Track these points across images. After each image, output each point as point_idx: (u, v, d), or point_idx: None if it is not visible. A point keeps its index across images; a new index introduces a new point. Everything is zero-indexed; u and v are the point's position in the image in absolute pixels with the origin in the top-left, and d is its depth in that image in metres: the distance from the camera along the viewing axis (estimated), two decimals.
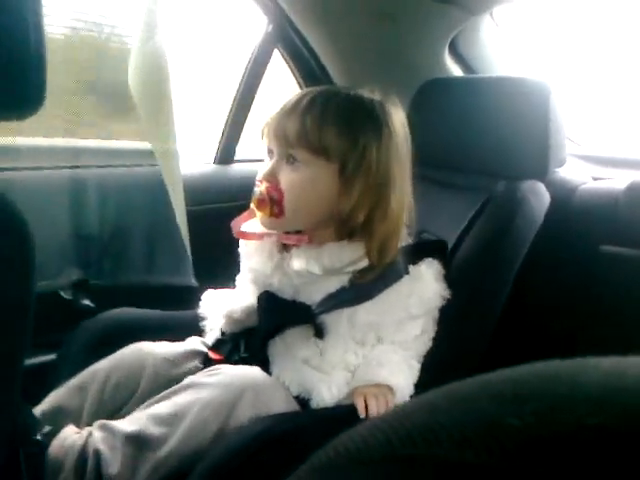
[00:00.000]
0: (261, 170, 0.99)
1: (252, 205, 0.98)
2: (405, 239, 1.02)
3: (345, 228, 0.96)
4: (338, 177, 0.94)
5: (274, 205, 0.94)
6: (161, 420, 0.85)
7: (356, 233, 0.96)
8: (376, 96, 0.99)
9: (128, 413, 0.95)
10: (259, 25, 1.54)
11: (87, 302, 1.23)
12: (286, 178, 0.95)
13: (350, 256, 0.95)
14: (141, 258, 1.35)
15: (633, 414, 0.14)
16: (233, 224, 1.04)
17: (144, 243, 1.35)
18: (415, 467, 0.15)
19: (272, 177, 0.95)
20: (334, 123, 0.92)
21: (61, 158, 1.27)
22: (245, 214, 1.03)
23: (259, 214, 0.97)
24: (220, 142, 1.61)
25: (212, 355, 1.04)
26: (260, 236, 1.00)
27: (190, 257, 1.23)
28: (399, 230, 0.97)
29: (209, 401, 0.86)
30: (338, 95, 0.96)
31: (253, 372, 0.92)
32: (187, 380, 0.92)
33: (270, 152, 0.99)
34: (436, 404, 0.17)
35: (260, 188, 0.96)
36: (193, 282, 1.32)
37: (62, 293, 1.25)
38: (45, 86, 0.55)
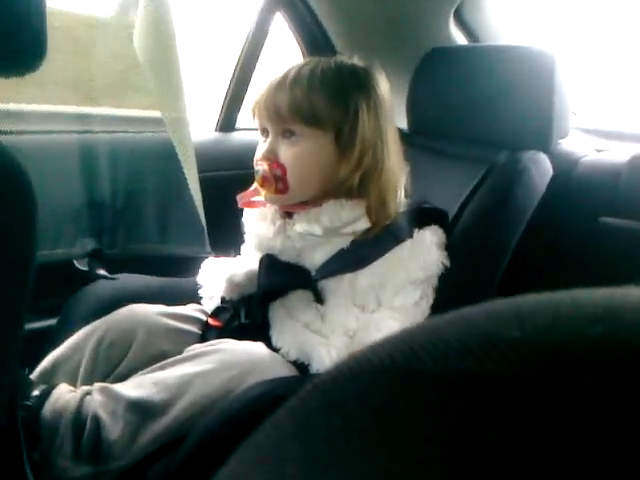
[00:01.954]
0: (259, 150, 1.01)
1: (256, 184, 0.99)
2: (406, 207, 1.02)
3: (342, 189, 0.98)
4: (335, 144, 0.97)
5: (278, 181, 0.96)
6: (164, 388, 0.86)
7: (353, 193, 0.98)
8: (359, 62, 1.01)
9: (122, 372, 0.96)
10: None
11: (102, 271, 1.24)
12: (285, 153, 0.96)
13: (349, 214, 0.96)
14: (154, 227, 1.35)
15: (633, 326, 0.14)
16: (239, 198, 1.05)
17: (157, 212, 1.35)
18: (417, 379, 0.15)
19: (271, 154, 0.97)
20: (323, 91, 0.94)
21: (71, 124, 1.26)
22: (250, 190, 1.04)
23: (264, 192, 0.99)
24: (222, 110, 1.60)
25: (212, 322, 1.05)
26: (263, 203, 1.02)
27: (204, 225, 1.23)
28: (396, 189, 0.99)
29: (213, 376, 0.87)
30: (323, 64, 0.97)
31: (258, 350, 0.93)
32: (192, 350, 0.93)
33: (264, 131, 1.00)
34: (436, 325, 0.18)
35: (262, 167, 0.97)
36: (208, 251, 1.32)
37: (76, 263, 1.26)
38: (46, 40, 0.55)
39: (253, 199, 1.04)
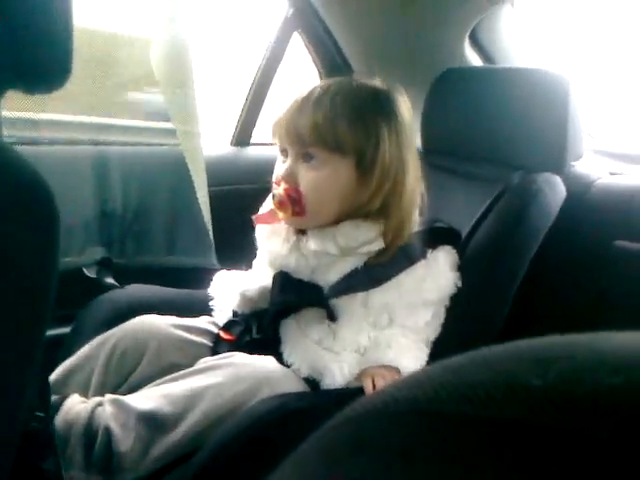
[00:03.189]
0: (277, 170, 1.00)
1: (273, 206, 0.99)
2: (419, 225, 1.03)
3: (361, 212, 0.98)
4: (355, 170, 0.96)
5: (295, 205, 0.95)
6: (175, 401, 0.86)
7: (371, 215, 0.97)
8: (381, 84, 1.00)
9: (134, 383, 0.97)
10: (279, 9, 1.54)
11: (111, 280, 1.25)
12: (304, 177, 0.96)
13: (365, 235, 0.96)
14: (163, 238, 1.37)
15: None
16: (254, 218, 1.05)
17: (167, 223, 1.36)
18: (440, 421, 0.16)
19: (290, 177, 0.96)
20: (345, 116, 0.93)
21: (85, 133, 1.28)
22: (267, 212, 1.03)
23: (280, 214, 0.98)
24: (237, 125, 1.62)
25: (223, 335, 1.06)
26: (277, 220, 1.01)
27: (212, 238, 1.24)
28: (413, 212, 0.99)
29: (224, 389, 0.87)
30: (345, 87, 0.96)
31: (269, 364, 0.93)
32: (203, 364, 0.93)
33: (283, 151, 0.99)
34: (461, 365, 0.18)
35: (278, 190, 0.96)
36: (215, 263, 1.33)
37: (85, 270, 1.27)
38: (72, 58, 0.56)
39: (265, 215, 1.04)
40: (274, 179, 1.00)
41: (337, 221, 0.98)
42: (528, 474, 0.14)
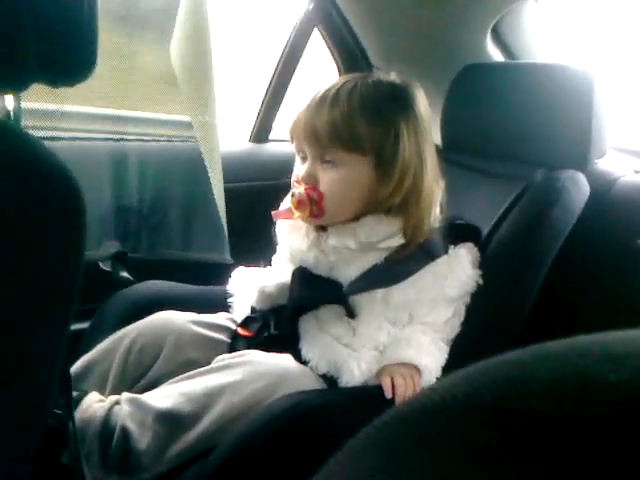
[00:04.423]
0: (296, 170, 1.00)
1: (291, 205, 0.98)
2: (439, 222, 1.02)
3: (381, 209, 0.97)
4: (374, 168, 0.95)
5: (314, 206, 0.95)
6: (193, 399, 0.86)
7: (392, 211, 0.97)
8: (398, 80, 0.98)
9: (151, 378, 0.97)
10: (300, 4, 1.53)
11: (125, 274, 1.25)
12: (324, 179, 0.95)
13: (386, 230, 0.95)
14: (179, 233, 1.37)
15: None
16: (274, 215, 1.04)
17: (182, 218, 1.37)
18: (505, 418, 0.15)
19: (310, 178, 0.96)
20: (363, 115, 0.92)
21: (104, 125, 1.28)
22: (285, 209, 1.02)
23: (297, 213, 0.97)
24: (256, 121, 1.62)
25: (241, 331, 1.06)
26: (292, 216, 1.01)
27: (226, 233, 1.24)
28: (432, 208, 0.98)
29: (242, 387, 0.87)
30: (361, 84, 0.95)
31: (286, 362, 0.92)
32: (220, 361, 0.93)
33: (301, 152, 0.99)
34: (523, 360, 0.17)
35: (299, 189, 0.96)
36: (229, 259, 1.33)
37: (101, 264, 1.28)
38: (97, 51, 0.56)
39: (285, 210, 1.03)
40: (293, 179, 1.00)
41: (357, 218, 0.98)
42: (602, 472, 0.13)
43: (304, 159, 0.98)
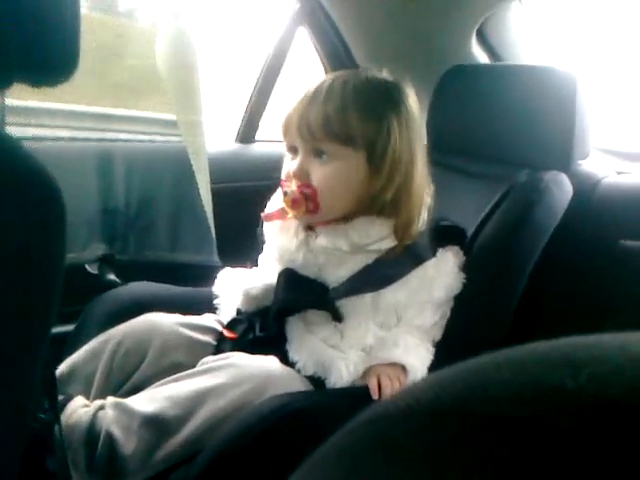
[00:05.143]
0: (286, 168, 0.99)
1: (283, 204, 0.97)
2: (426, 223, 1.02)
3: (374, 206, 0.97)
4: (366, 162, 0.95)
5: (309, 202, 0.94)
6: (178, 403, 0.85)
7: (384, 210, 0.97)
8: (389, 76, 1.00)
9: (137, 381, 0.96)
10: (286, 4, 1.53)
11: (112, 277, 1.24)
12: (317, 173, 0.95)
13: (378, 232, 0.96)
14: (166, 234, 1.36)
15: None
16: (264, 216, 1.04)
17: (169, 219, 1.36)
18: (467, 425, 0.15)
19: (301, 174, 0.95)
20: (356, 109, 0.93)
21: (88, 123, 1.27)
22: (277, 210, 1.01)
23: (292, 212, 0.97)
24: (242, 121, 1.62)
25: (226, 333, 1.05)
26: (285, 216, 1.00)
27: (214, 235, 1.24)
28: (421, 209, 0.99)
29: (227, 390, 0.86)
30: (354, 79, 0.96)
31: (271, 364, 0.92)
32: (204, 365, 0.92)
33: (291, 149, 0.98)
34: (484, 366, 0.17)
35: (290, 187, 0.95)
36: (216, 260, 1.33)
37: (88, 267, 1.27)
38: (79, 52, 0.55)
39: (274, 211, 1.02)
40: (283, 177, 0.99)
41: (347, 217, 0.98)
42: (557, 476, 0.13)
43: (295, 155, 0.98)
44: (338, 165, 0.94)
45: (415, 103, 1.00)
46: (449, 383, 0.17)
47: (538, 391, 0.15)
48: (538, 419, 0.14)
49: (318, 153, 0.95)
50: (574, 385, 0.15)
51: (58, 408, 0.84)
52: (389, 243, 0.96)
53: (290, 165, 0.98)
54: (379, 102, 0.95)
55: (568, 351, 0.17)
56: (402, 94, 0.98)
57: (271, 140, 1.63)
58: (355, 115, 0.93)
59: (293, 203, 0.95)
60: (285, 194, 0.96)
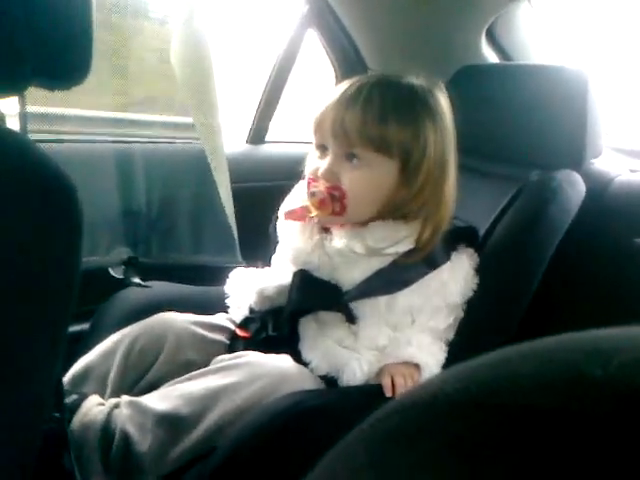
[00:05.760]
0: (312, 165, 0.97)
1: (310, 205, 0.96)
2: None
3: (397, 212, 0.96)
4: (399, 172, 0.94)
5: (336, 204, 0.93)
6: (192, 401, 0.85)
7: (407, 216, 0.96)
8: (424, 82, 0.97)
9: (151, 380, 0.97)
10: (295, 6, 1.53)
11: (137, 280, 1.25)
12: (347, 177, 0.93)
13: (394, 236, 0.94)
14: (188, 236, 1.37)
15: None
16: (285, 212, 1.03)
17: (191, 221, 1.36)
18: (495, 414, 0.15)
19: (331, 175, 0.93)
20: (395, 118, 0.91)
21: (110, 127, 1.28)
22: (299, 208, 1.00)
23: (317, 212, 0.95)
24: (253, 122, 1.62)
25: (239, 332, 1.06)
26: (303, 217, 1.00)
27: (236, 235, 1.24)
28: (449, 216, 0.97)
29: (240, 389, 0.86)
30: (393, 86, 0.94)
31: (284, 363, 0.92)
32: (218, 363, 0.93)
33: (320, 147, 0.97)
34: (510, 357, 0.17)
35: (318, 188, 0.94)
36: (240, 260, 1.33)
37: (111, 270, 1.27)
38: (91, 56, 0.56)
39: (293, 211, 1.02)
40: (309, 175, 0.97)
41: (369, 220, 0.97)
42: (588, 466, 0.13)
43: (323, 154, 0.96)
44: (370, 171, 0.93)
45: (448, 109, 0.97)
46: (475, 374, 0.17)
47: (568, 381, 0.15)
48: (569, 409, 0.14)
49: (350, 157, 0.93)
50: (604, 374, 0.15)
51: (73, 408, 0.85)
52: (407, 246, 0.95)
53: (317, 163, 0.96)
54: (417, 112, 0.93)
55: (596, 341, 0.17)
56: (437, 101, 0.95)
57: (281, 141, 1.64)
58: (394, 125, 0.91)
59: (320, 203, 0.94)
60: (313, 194, 0.95)
